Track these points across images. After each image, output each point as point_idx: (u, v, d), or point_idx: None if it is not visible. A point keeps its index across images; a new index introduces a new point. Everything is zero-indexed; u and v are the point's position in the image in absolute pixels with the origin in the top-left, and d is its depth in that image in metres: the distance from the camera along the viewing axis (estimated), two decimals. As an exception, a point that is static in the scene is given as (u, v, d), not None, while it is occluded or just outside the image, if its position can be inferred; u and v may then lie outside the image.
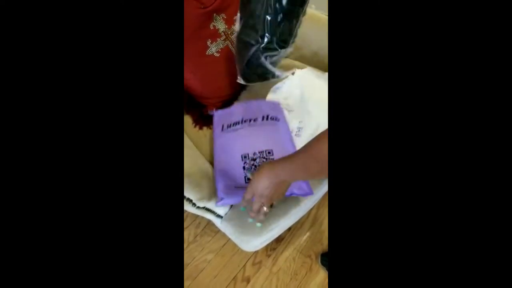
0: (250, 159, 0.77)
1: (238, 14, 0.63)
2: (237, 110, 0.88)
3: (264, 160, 0.76)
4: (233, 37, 0.86)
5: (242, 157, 0.77)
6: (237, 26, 0.64)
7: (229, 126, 0.84)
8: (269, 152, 0.77)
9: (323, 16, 0.99)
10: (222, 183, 0.73)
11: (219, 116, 0.90)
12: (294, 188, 0.71)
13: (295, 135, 0.86)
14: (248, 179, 0.73)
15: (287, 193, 0.68)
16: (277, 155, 0.76)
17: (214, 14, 0.83)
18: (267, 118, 0.83)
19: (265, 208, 0.60)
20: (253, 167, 0.75)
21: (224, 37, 0.85)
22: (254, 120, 0.83)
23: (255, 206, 0.59)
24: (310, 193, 0.73)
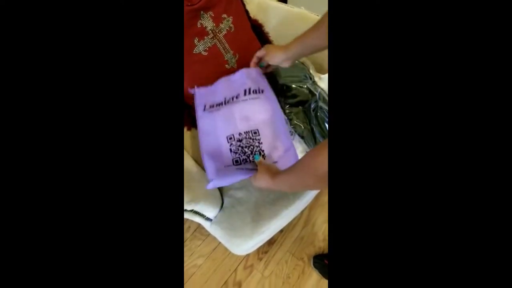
0: (236, 140, 0.74)
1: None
2: (219, 88, 0.82)
3: (251, 140, 0.73)
4: (222, 35, 0.85)
5: (227, 138, 0.74)
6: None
7: (211, 106, 0.80)
8: (255, 132, 0.74)
9: (313, 15, 0.99)
10: (211, 166, 0.70)
11: (201, 94, 0.84)
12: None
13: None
14: (236, 161, 0.72)
15: None
16: (263, 135, 0.74)
17: (202, 12, 0.81)
18: (249, 92, 0.78)
19: None
20: (240, 148, 0.73)
21: (211, 35, 0.83)
22: (236, 97, 0.78)
23: None
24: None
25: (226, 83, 0.82)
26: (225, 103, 0.78)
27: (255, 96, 0.77)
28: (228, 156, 0.72)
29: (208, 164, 0.70)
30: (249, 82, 0.80)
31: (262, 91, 0.78)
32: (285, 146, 0.72)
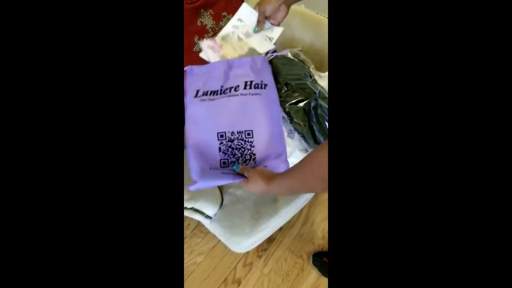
0: (227, 139, 0.68)
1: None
2: (217, 70, 0.74)
3: (243, 142, 0.68)
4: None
5: (218, 135, 0.68)
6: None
7: (205, 93, 0.72)
8: (248, 134, 0.68)
9: (313, 13, 0.99)
10: (196, 164, 0.65)
11: (194, 75, 0.74)
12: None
13: (288, 136, 0.85)
14: (224, 163, 0.68)
15: None
16: (257, 137, 0.68)
17: (202, 10, 0.81)
18: (250, 86, 0.70)
19: None
20: (230, 149, 0.68)
21: (211, 33, 0.83)
22: (235, 89, 0.70)
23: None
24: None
25: (226, 67, 0.74)
26: (221, 93, 0.71)
27: (256, 91, 0.70)
28: (216, 157, 0.67)
29: (193, 163, 0.65)
30: (252, 74, 0.73)
31: (265, 86, 0.71)
32: (278, 151, 0.68)
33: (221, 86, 0.72)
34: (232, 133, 0.68)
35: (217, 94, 0.71)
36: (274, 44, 0.80)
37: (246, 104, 0.69)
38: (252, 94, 0.70)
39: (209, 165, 0.66)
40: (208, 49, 0.67)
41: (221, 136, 0.68)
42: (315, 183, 0.44)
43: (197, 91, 0.72)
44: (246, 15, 0.73)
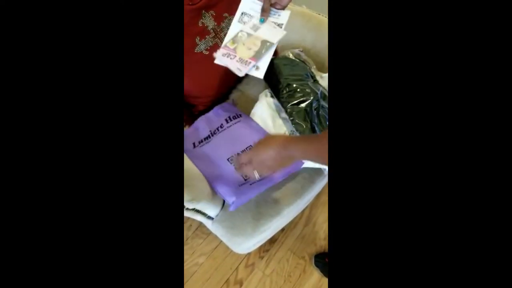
0: None
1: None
2: (201, 124, 0.91)
3: None
4: (223, 34, 0.85)
5: (229, 160, 0.80)
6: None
7: (200, 142, 0.87)
8: (250, 147, 0.79)
9: (314, 14, 0.99)
10: (225, 189, 0.74)
11: (186, 137, 0.90)
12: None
13: None
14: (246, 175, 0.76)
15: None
16: None
17: (203, 11, 0.81)
18: (230, 119, 0.87)
19: (256, 176, 0.58)
20: None
21: (213, 34, 0.83)
22: (221, 127, 0.87)
23: (247, 171, 0.58)
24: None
25: (205, 120, 0.91)
26: (212, 135, 0.86)
27: (237, 120, 0.87)
28: (237, 175, 0.77)
29: (222, 189, 0.74)
30: (226, 113, 0.90)
31: (240, 115, 0.88)
32: None
33: (210, 131, 0.88)
34: (238, 154, 0.79)
35: (210, 137, 0.86)
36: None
37: (235, 132, 0.84)
38: (235, 123, 0.86)
39: (237, 183, 0.75)
40: (223, 57, 0.66)
41: (231, 160, 0.80)
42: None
43: (193, 144, 0.87)
44: (248, 6, 0.70)
